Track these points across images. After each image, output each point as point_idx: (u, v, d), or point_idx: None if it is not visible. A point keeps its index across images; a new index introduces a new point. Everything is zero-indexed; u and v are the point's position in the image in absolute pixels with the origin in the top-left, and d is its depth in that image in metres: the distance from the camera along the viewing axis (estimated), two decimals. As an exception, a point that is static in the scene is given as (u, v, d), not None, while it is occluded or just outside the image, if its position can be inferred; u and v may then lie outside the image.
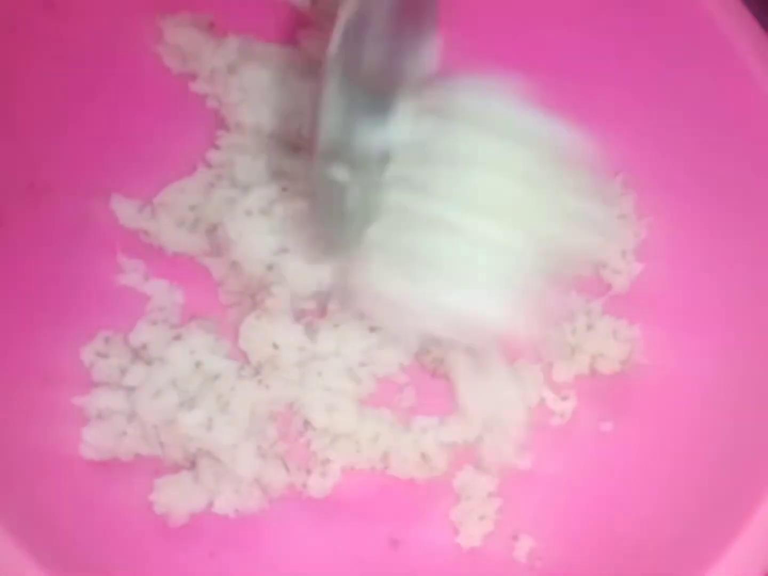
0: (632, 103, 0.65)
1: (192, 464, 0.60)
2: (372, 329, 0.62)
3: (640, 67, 0.63)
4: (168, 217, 0.65)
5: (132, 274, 0.66)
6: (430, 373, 0.66)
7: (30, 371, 0.59)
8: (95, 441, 0.59)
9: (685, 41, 0.60)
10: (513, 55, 0.65)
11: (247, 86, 0.65)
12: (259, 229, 0.62)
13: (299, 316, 0.64)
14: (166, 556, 0.58)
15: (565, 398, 0.65)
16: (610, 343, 0.64)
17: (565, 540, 0.61)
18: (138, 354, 0.62)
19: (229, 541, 0.60)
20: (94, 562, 0.53)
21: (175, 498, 0.59)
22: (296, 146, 0.65)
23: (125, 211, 0.65)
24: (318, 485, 0.63)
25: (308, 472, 0.63)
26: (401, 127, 0.52)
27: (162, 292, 0.66)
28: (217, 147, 0.67)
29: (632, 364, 0.65)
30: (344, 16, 0.47)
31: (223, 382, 0.61)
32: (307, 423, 0.63)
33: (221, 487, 0.60)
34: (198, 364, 0.61)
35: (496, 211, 0.51)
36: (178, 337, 0.62)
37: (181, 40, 0.65)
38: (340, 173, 0.50)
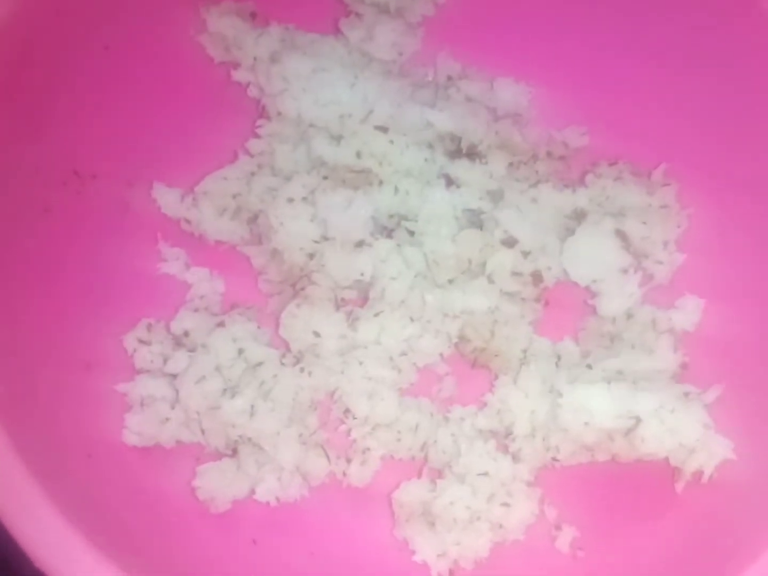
0: (674, 96, 0.64)
1: (234, 451, 0.61)
2: (412, 319, 0.62)
3: (682, 64, 0.63)
4: (209, 205, 0.65)
5: (173, 263, 0.66)
6: (470, 363, 0.65)
7: (73, 358, 0.60)
8: (138, 427, 0.60)
9: (735, 41, 0.60)
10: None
11: (289, 75, 0.65)
12: (300, 217, 0.63)
13: (340, 305, 0.64)
14: (209, 541, 0.59)
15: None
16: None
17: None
18: (180, 341, 0.63)
19: (271, 528, 0.61)
20: (143, 544, 0.54)
21: (218, 484, 0.60)
22: (338, 135, 0.65)
23: (167, 199, 0.65)
24: (358, 474, 0.63)
25: (348, 460, 0.63)
26: None
27: (203, 281, 0.66)
28: (258, 136, 0.67)
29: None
30: None
31: (265, 370, 0.61)
32: (347, 411, 0.63)
33: (263, 474, 0.60)
34: (240, 352, 0.62)
35: None
36: (220, 324, 0.62)
37: (224, 29, 0.65)
38: None
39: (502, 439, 0.63)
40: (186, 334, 0.63)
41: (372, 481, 0.63)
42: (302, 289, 0.63)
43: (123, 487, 0.58)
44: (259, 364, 0.61)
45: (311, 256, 0.63)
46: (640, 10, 0.63)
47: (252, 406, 0.59)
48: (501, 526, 0.60)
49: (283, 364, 0.62)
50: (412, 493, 0.61)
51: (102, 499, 0.54)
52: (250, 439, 0.60)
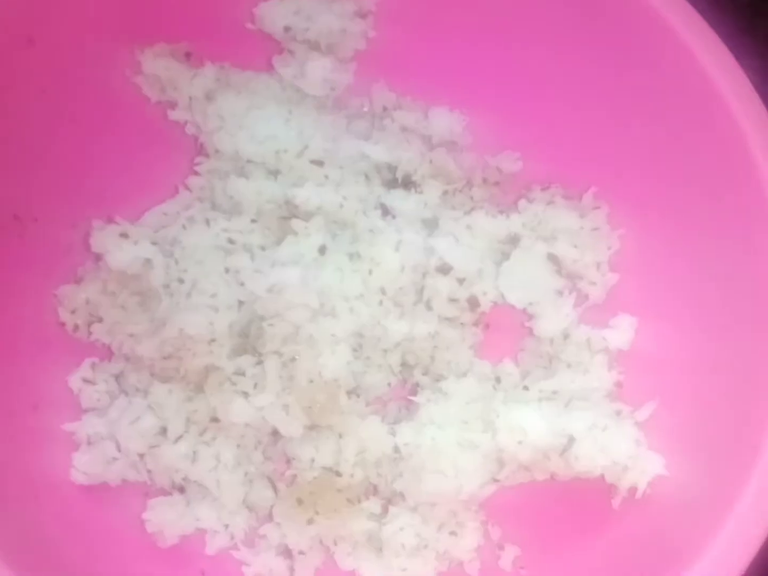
0: (604, 121, 0.66)
1: (181, 489, 0.62)
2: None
3: (611, 89, 0.65)
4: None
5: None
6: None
7: (19, 398, 0.61)
8: (85, 467, 0.61)
9: (658, 65, 0.62)
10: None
11: (225, 113, 0.66)
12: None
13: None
14: (158, 575, 0.60)
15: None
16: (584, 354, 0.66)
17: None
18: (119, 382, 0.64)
19: (221, 561, 0.61)
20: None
21: (167, 518, 0.61)
22: (275, 170, 0.66)
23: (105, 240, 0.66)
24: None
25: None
26: None
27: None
28: (197, 173, 0.68)
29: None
30: None
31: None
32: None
33: (209, 510, 0.61)
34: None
35: None
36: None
37: (159, 71, 0.66)
38: None
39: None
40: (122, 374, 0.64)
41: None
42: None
43: (70, 525, 0.59)
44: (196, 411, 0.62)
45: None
46: (569, 39, 0.65)
47: (194, 452, 0.60)
48: (447, 552, 0.61)
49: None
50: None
51: (47, 539, 0.55)
52: (194, 481, 0.61)
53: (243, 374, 0.61)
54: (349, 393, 0.63)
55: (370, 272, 0.63)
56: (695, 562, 0.53)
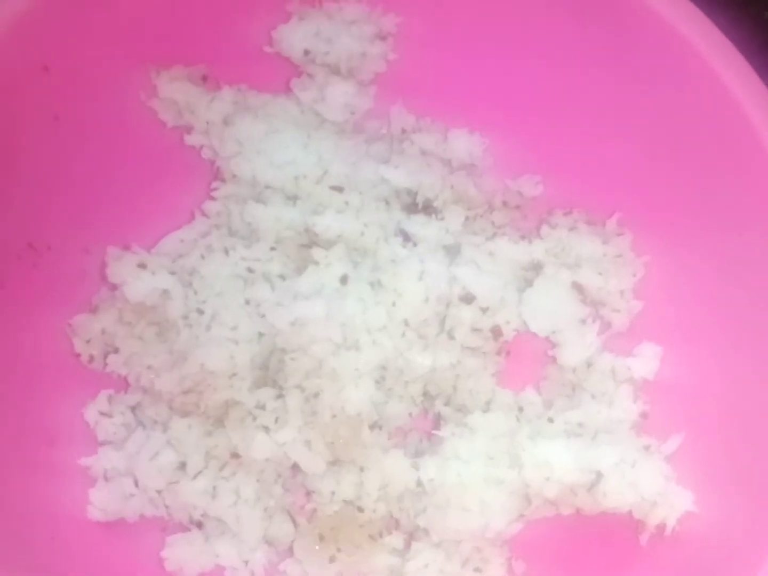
0: (627, 146, 0.65)
1: (199, 524, 0.61)
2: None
3: (635, 112, 0.63)
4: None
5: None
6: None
7: (35, 433, 0.59)
8: (102, 503, 0.60)
9: (682, 88, 0.61)
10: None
11: (242, 138, 0.65)
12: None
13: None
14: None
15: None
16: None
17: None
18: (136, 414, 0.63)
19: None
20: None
21: (186, 555, 0.60)
22: (293, 196, 0.65)
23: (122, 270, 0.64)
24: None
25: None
26: None
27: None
28: (213, 198, 0.67)
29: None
30: None
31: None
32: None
33: (228, 547, 0.60)
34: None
35: None
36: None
37: (175, 94, 0.65)
38: None
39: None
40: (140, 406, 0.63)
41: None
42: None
43: (88, 563, 0.58)
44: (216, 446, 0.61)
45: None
46: (591, 61, 0.64)
47: (214, 488, 0.59)
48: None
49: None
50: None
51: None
52: (214, 517, 0.60)
53: (263, 408, 0.60)
54: (371, 426, 0.61)
55: (394, 304, 0.62)
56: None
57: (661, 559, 0.59)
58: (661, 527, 0.59)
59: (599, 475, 0.59)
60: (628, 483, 0.59)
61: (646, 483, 0.59)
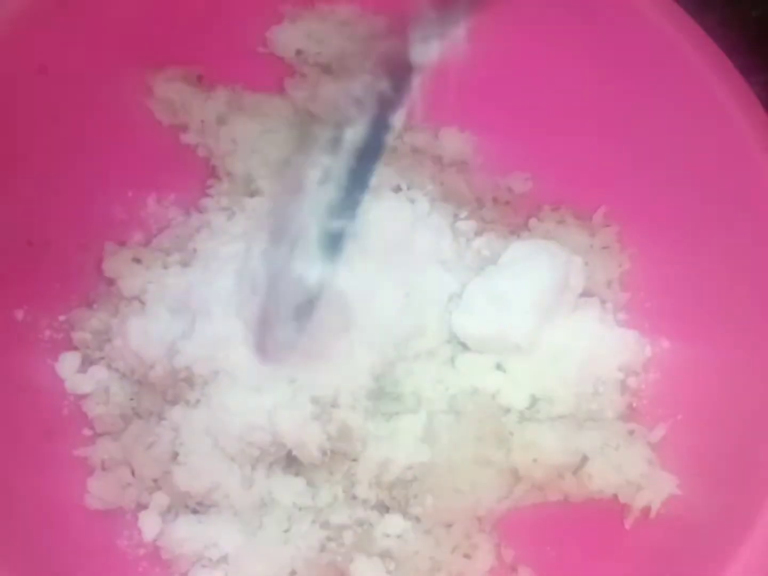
0: (614, 140, 0.66)
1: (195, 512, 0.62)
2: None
3: (620, 111, 0.65)
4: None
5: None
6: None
7: (32, 423, 0.61)
8: (100, 492, 0.61)
9: (666, 86, 0.62)
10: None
11: (237, 137, 0.66)
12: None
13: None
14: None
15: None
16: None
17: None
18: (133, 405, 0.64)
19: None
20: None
21: (183, 541, 0.60)
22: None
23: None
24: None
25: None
26: None
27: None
28: (209, 195, 0.68)
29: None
30: None
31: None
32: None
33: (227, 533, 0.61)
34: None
35: None
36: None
37: (170, 94, 0.66)
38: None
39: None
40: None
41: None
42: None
43: (87, 550, 0.59)
44: None
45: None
46: (578, 58, 0.65)
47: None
48: (461, 574, 0.62)
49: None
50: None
51: (61, 566, 0.56)
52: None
53: None
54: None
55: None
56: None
57: (645, 542, 0.60)
58: (645, 510, 0.60)
59: (585, 458, 0.60)
60: (613, 466, 0.60)
61: (631, 466, 0.60)
